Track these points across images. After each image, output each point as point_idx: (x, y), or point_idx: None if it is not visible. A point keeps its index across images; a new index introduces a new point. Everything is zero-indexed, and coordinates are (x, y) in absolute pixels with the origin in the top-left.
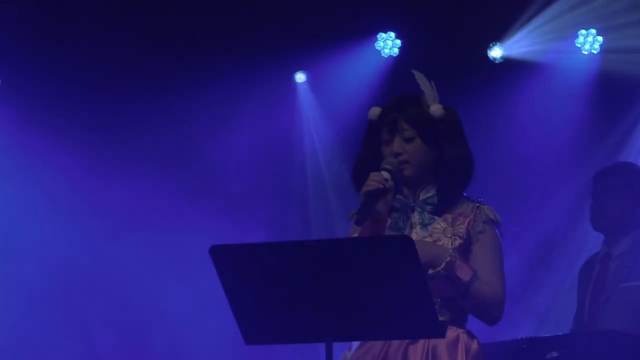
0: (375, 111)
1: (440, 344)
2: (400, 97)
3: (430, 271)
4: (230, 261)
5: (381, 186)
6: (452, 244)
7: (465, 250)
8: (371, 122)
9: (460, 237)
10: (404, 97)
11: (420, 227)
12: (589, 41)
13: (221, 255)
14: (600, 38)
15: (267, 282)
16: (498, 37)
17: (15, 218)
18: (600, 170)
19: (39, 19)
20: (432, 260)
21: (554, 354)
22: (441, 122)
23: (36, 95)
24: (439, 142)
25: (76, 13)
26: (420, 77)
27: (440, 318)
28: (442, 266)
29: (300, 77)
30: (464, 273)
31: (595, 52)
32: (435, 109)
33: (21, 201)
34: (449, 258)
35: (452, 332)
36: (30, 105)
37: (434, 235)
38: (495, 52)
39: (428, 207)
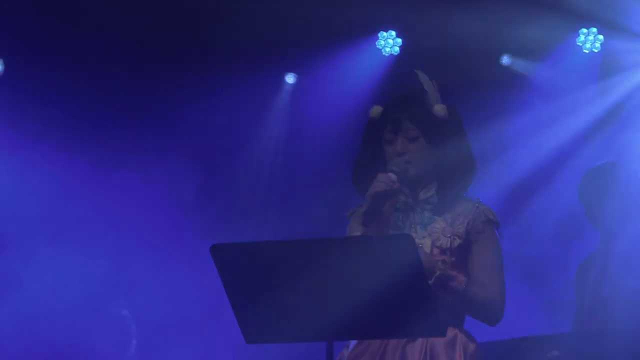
0: (377, 110)
1: (439, 343)
2: (402, 96)
3: None
4: (231, 260)
5: (389, 188)
6: (450, 244)
7: (464, 250)
8: (372, 120)
9: (459, 237)
10: (407, 96)
11: (420, 227)
12: (590, 40)
13: (222, 254)
14: (601, 37)
15: (267, 281)
16: (505, 44)
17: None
18: (588, 172)
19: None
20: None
21: (555, 352)
22: (444, 122)
23: (37, 85)
24: (442, 141)
25: (77, 10)
26: (423, 77)
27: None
28: (432, 280)
29: (289, 78)
30: (456, 282)
31: (596, 50)
32: (439, 108)
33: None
34: (438, 272)
35: (449, 332)
36: (31, 95)
37: (433, 234)
38: (505, 61)
39: (428, 207)
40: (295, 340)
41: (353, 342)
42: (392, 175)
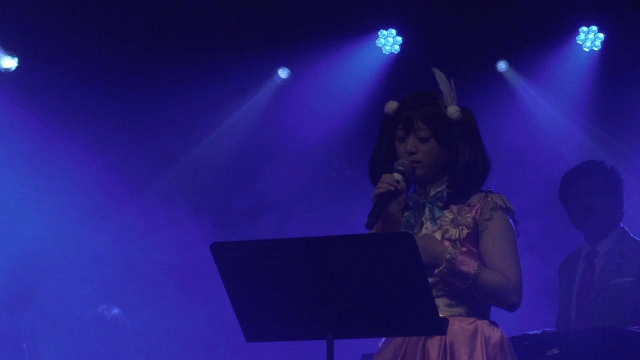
0: (392, 105)
1: (458, 336)
2: (417, 94)
3: (435, 270)
4: (231, 258)
5: (392, 188)
6: (459, 235)
7: (475, 239)
8: (387, 115)
9: (467, 226)
10: (422, 94)
11: (430, 222)
12: (590, 38)
13: (222, 252)
14: (601, 35)
15: (268, 279)
16: (501, 45)
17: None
18: (579, 171)
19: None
20: (435, 258)
21: (554, 350)
22: (457, 124)
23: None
24: (454, 143)
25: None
26: (439, 76)
27: (457, 312)
28: (443, 265)
29: (282, 72)
30: (468, 267)
31: (596, 49)
32: (453, 111)
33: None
34: (447, 256)
35: (470, 324)
36: (43, 92)
37: (443, 227)
38: (501, 66)
39: (439, 203)
40: (295, 339)
41: (381, 341)
42: (396, 175)
